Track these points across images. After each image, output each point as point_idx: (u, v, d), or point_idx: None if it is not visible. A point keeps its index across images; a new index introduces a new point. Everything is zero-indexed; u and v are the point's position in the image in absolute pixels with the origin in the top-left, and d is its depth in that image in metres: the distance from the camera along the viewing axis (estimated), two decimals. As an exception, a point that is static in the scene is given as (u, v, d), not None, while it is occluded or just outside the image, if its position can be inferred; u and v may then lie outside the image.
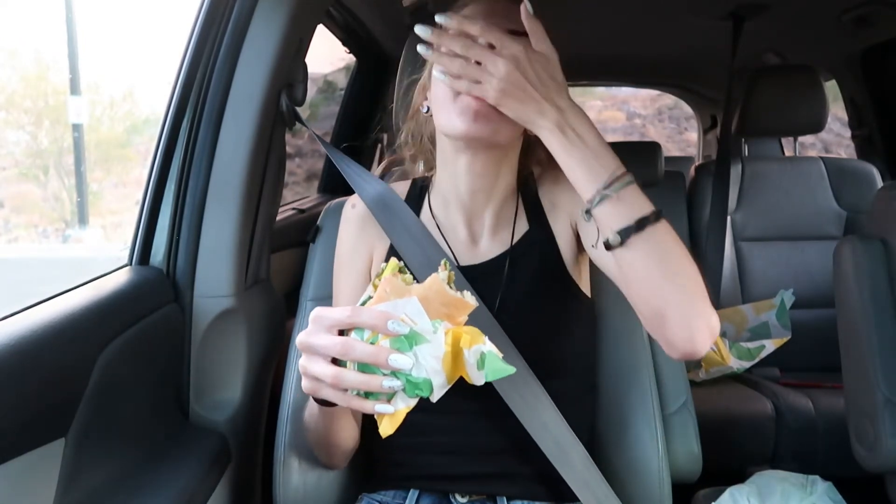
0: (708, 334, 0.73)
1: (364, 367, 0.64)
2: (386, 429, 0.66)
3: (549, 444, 0.87)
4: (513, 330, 0.87)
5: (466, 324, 0.67)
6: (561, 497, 0.89)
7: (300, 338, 0.67)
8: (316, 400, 0.76)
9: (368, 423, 0.95)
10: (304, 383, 0.68)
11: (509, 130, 0.85)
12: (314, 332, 0.66)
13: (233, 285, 1.03)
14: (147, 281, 0.97)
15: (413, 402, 0.66)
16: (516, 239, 0.94)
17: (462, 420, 0.90)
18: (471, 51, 0.73)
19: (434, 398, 0.65)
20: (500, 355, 0.65)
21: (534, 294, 0.92)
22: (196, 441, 0.99)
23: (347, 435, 0.90)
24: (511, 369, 0.65)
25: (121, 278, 0.94)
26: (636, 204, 0.72)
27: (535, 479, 0.90)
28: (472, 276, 0.91)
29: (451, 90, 0.82)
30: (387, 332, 0.63)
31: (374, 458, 0.97)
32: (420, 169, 1.03)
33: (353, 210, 1.02)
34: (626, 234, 0.72)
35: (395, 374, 0.64)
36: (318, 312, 0.67)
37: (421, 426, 0.91)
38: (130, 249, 1.02)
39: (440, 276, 0.66)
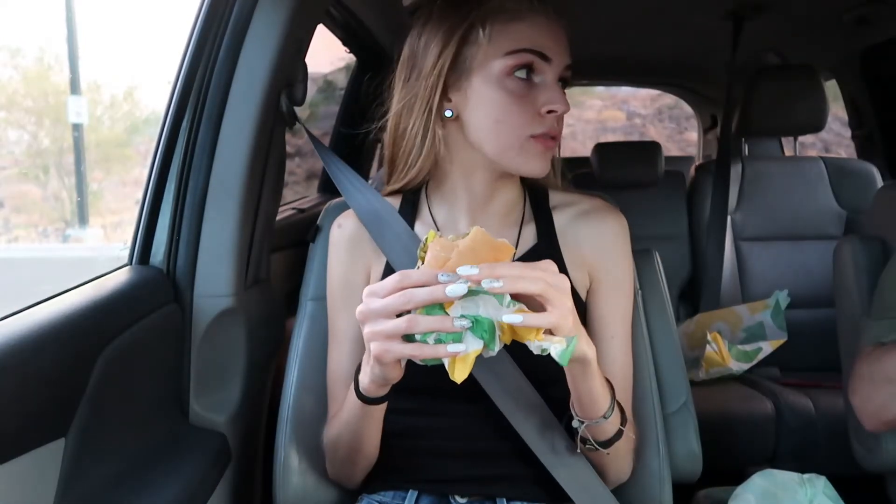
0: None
1: (430, 312, 0.68)
2: (460, 373, 0.68)
3: (544, 447, 0.87)
4: None
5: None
6: (561, 498, 0.89)
7: (358, 310, 0.70)
8: (363, 399, 0.79)
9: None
10: (375, 346, 0.69)
11: None
12: (369, 301, 0.69)
13: (233, 285, 1.03)
14: (147, 281, 0.97)
15: (480, 345, 0.68)
16: (525, 250, 0.93)
17: (461, 423, 0.90)
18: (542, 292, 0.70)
19: (494, 350, 0.68)
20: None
21: None
22: (196, 440, 0.99)
23: (375, 443, 0.90)
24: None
25: (121, 278, 0.94)
26: (615, 422, 0.85)
27: (534, 481, 0.90)
28: None
29: (521, 126, 0.84)
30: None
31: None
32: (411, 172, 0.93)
33: (340, 231, 0.98)
34: (607, 444, 0.85)
35: (462, 315, 0.67)
36: (371, 289, 0.70)
37: (419, 430, 0.91)
38: (130, 249, 1.02)
39: (481, 229, 0.70)
